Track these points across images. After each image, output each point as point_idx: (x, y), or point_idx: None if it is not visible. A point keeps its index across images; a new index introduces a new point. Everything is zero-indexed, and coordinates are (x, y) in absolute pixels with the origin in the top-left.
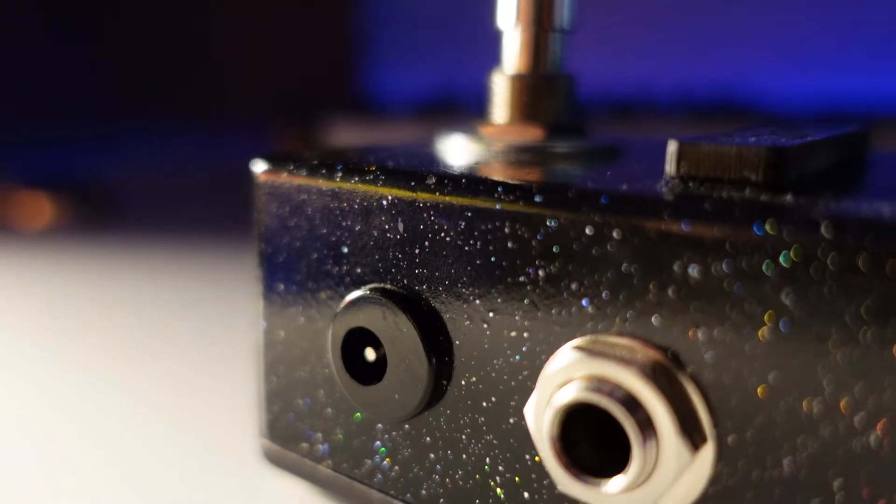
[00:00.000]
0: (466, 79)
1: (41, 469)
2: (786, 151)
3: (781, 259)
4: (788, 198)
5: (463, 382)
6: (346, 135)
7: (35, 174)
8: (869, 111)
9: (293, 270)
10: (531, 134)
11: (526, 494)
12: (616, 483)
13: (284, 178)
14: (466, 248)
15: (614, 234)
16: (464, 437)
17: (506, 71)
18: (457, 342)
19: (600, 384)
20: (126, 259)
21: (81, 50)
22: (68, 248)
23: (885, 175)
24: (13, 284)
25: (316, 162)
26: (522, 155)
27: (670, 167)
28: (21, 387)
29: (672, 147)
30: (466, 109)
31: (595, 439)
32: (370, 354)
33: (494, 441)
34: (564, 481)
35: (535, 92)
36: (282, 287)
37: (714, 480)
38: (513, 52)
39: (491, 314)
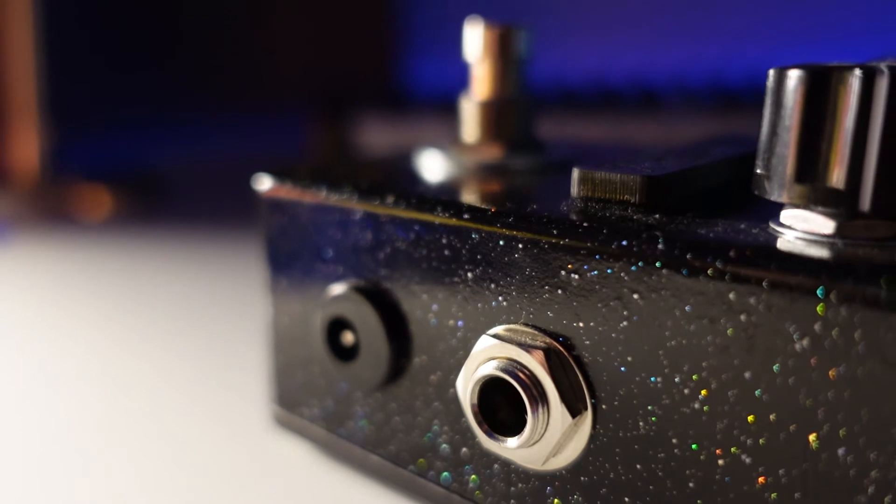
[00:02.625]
0: None
1: (90, 425)
2: (656, 179)
3: (632, 268)
4: (650, 218)
5: (417, 360)
6: (381, 128)
7: (94, 167)
8: None
9: (292, 269)
10: (493, 153)
11: (464, 450)
12: (513, 441)
13: (282, 194)
14: (415, 255)
15: (519, 246)
16: (418, 403)
17: (472, 97)
18: (412, 329)
19: (507, 364)
20: (178, 248)
21: (136, 45)
22: (126, 239)
23: None
24: (75, 274)
25: (306, 180)
26: (484, 172)
27: (574, 190)
28: (86, 362)
29: (575, 174)
30: None
31: (515, 406)
32: (348, 337)
33: (440, 407)
34: (482, 438)
35: (496, 116)
36: (284, 282)
37: (593, 438)
38: (478, 80)
39: (435, 307)
